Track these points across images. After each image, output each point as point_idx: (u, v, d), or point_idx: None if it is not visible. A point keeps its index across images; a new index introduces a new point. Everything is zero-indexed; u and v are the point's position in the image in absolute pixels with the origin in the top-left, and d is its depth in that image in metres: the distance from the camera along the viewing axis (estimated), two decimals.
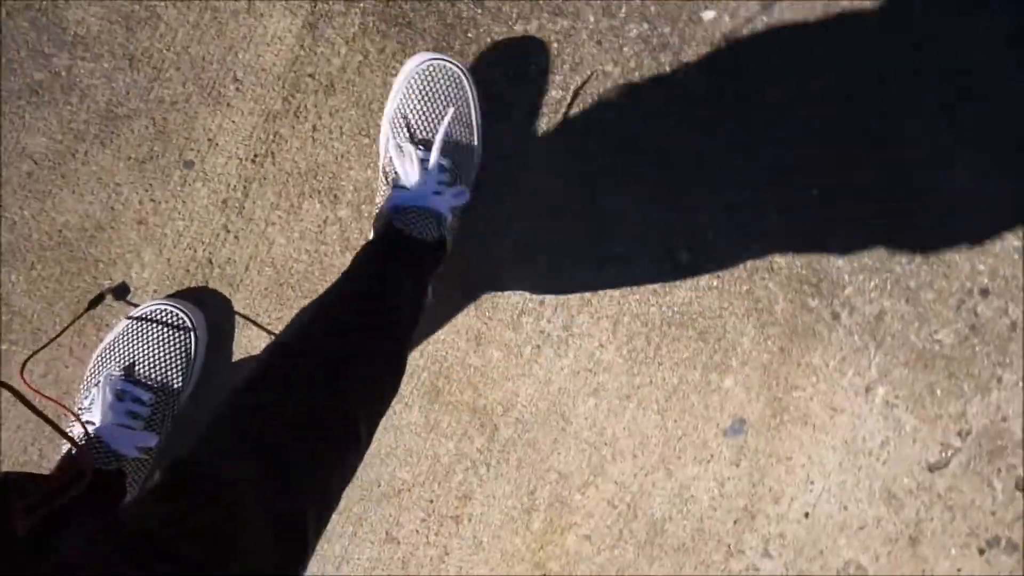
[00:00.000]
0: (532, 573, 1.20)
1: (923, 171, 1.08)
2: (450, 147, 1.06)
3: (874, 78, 1.12)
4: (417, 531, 1.25)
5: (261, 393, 0.79)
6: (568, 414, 1.19)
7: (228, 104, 1.22)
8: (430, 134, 1.06)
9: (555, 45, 1.18)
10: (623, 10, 1.17)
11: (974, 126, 1.07)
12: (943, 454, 1.08)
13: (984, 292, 1.06)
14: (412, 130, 1.07)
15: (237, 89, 1.22)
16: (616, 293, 1.17)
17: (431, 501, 1.24)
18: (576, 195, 1.18)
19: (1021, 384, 1.06)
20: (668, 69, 1.16)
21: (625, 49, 1.17)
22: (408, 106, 1.08)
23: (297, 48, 1.21)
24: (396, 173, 1.03)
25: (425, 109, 1.08)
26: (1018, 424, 1.06)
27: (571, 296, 1.18)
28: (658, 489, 1.16)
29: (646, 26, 1.15)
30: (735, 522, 1.14)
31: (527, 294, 1.20)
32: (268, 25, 1.20)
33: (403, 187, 1.02)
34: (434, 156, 1.02)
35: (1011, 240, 1.06)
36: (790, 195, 1.10)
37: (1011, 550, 1.06)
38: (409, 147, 1.03)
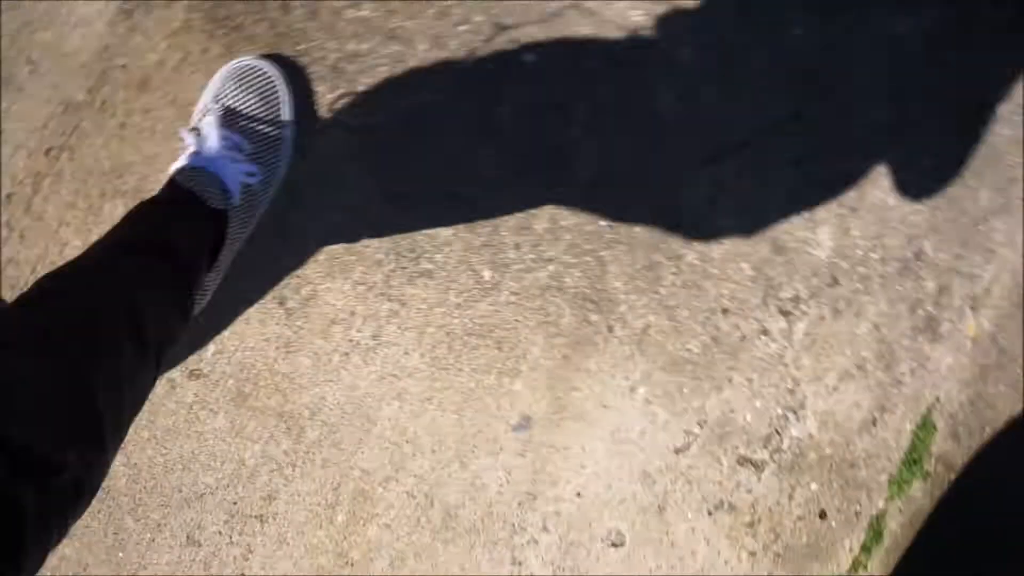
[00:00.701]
0: (335, 563, 1.30)
1: (690, 213, 1.31)
2: (253, 134, 1.10)
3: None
4: (220, 532, 1.29)
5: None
6: (373, 416, 1.29)
7: (19, 88, 1.14)
8: (236, 118, 1.10)
9: (384, 68, 1.24)
10: (454, 43, 1.26)
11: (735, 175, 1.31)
12: (686, 439, 1.34)
13: (725, 311, 1.33)
14: (220, 113, 1.10)
15: (31, 72, 1.14)
16: (424, 306, 1.29)
17: (235, 503, 1.29)
18: (392, 217, 1.27)
19: (745, 384, 1.35)
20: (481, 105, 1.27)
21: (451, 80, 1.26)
22: (223, 94, 1.11)
23: (108, 35, 1.16)
24: (195, 143, 1.06)
25: (236, 97, 1.11)
26: (741, 415, 1.35)
27: (381, 307, 1.28)
28: (453, 479, 1.31)
29: (469, 64, 1.26)
30: (519, 504, 1.32)
31: (337, 303, 1.27)
32: (76, 4, 1.14)
33: (196, 152, 1.05)
34: (217, 126, 1.08)
35: (745, 269, 1.33)
36: (583, 224, 1.27)
37: (731, 510, 1.35)
38: (209, 118, 1.07)
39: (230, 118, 1.10)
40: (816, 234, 1.30)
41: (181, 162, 1.04)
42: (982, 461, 1.38)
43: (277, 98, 1.15)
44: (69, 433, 0.72)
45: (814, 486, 1.34)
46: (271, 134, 1.13)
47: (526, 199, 1.25)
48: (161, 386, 1.22)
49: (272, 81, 1.14)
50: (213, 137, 1.06)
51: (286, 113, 1.15)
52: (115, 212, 1.18)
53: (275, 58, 1.20)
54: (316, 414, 1.28)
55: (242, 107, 1.11)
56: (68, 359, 0.75)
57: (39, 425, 0.69)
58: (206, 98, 1.14)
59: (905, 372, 1.33)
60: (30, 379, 0.72)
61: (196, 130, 1.08)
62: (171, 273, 0.95)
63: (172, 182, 1.04)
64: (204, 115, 1.10)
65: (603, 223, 1.27)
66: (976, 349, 1.34)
